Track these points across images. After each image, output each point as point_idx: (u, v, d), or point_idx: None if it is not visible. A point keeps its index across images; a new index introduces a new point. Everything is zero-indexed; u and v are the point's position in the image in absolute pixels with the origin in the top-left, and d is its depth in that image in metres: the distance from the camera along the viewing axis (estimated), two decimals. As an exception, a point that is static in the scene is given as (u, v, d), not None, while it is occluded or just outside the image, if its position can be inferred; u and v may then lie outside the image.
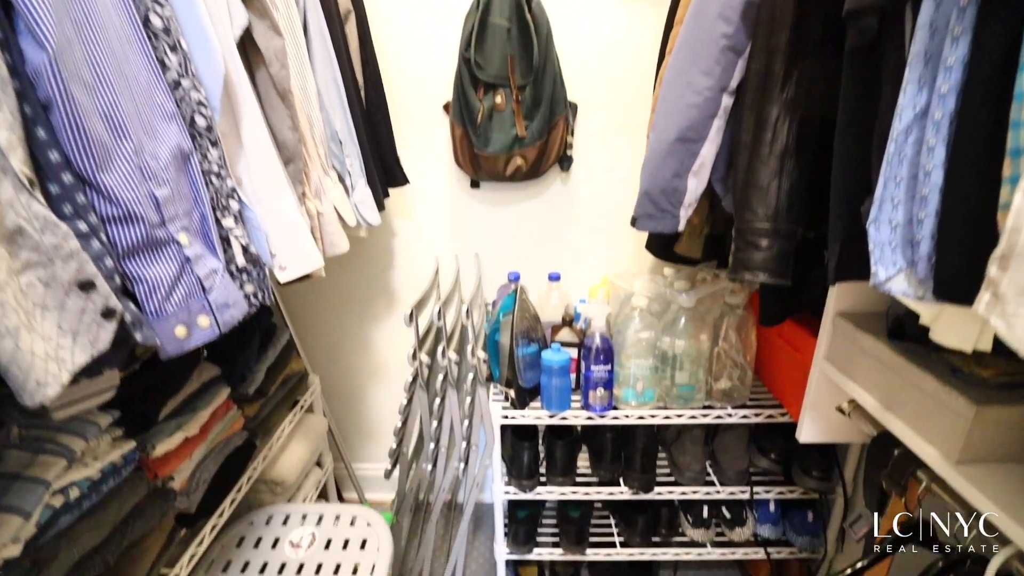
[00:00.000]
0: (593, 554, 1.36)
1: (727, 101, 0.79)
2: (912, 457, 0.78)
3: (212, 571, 0.90)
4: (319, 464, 1.47)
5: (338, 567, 0.90)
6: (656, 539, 1.36)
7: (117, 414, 0.77)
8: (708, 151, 0.81)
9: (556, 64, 1.25)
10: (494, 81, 1.23)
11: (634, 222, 0.94)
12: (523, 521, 1.35)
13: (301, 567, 0.90)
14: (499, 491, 1.30)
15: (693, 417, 1.19)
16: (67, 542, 0.67)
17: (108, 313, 0.45)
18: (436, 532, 1.37)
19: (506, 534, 1.36)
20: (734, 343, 1.16)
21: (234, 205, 0.63)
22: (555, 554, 1.37)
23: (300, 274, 0.76)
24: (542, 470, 1.33)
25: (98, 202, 0.47)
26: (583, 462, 1.37)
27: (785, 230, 0.73)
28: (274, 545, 0.95)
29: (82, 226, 0.45)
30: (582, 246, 1.46)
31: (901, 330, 0.77)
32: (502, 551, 1.36)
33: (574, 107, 1.33)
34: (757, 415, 1.18)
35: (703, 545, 1.36)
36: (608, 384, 1.19)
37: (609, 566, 1.43)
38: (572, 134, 1.34)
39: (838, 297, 0.85)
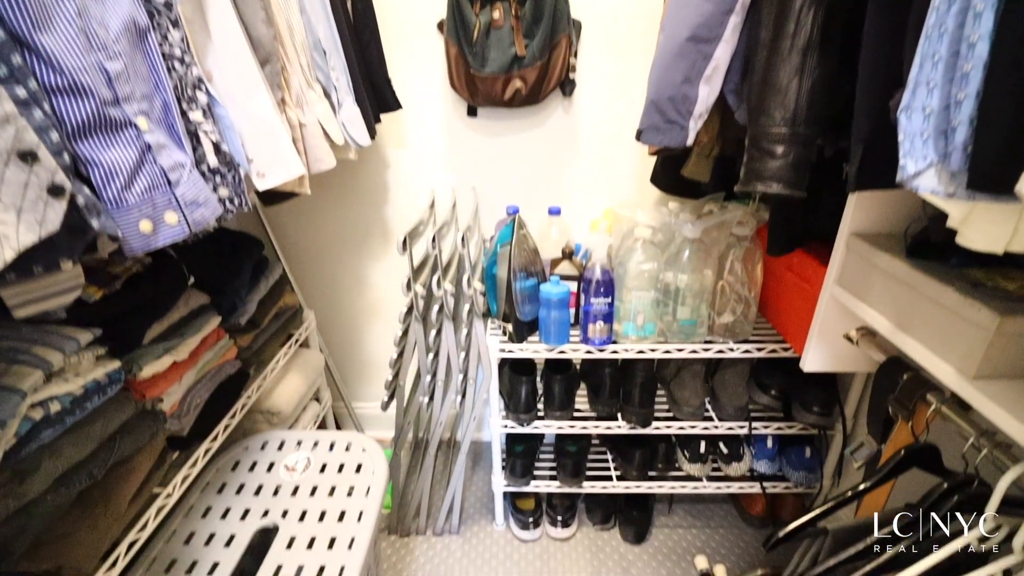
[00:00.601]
0: (590, 487, 1.37)
1: (745, -6, 0.71)
2: (922, 380, 0.75)
3: (207, 493, 0.90)
4: (317, 399, 1.46)
5: (333, 489, 0.89)
6: (652, 473, 1.37)
7: (98, 332, 0.75)
8: (722, 53, 0.75)
9: (559, -25, 1.15)
10: (492, -7, 1.14)
11: (639, 135, 0.88)
12: (520, 455, 1.36)
13: (296, 489, 0.90)
14: (496, 425, 1.29)
15: (694, 352, 1.17)
16: (50, 455, 0.66)
17: (56, 190, 0.40)
18: (435, 467, 1.38)
19: (504, 467, 1.37)
20: (739, 275, 1.12)
21: (202, 97, 0.57)
22: (552, 487, 1.38)
23: (280, 182, 0.71)
24: (540, 406, 1.32)
25: (39, 68, 0.42)
26: (581, 398, 1.37)
27: (803, 136, 0.67)
28: (269, 469, 0.94)
29: (20, 91, 0.40)
30: (584, 179, 1.40)
31: (920, 248, 0.72)
32: (499, 483, 1.38)
33: (578, 25, 1.24)
34: (760, 349, 1.16)
35: (699, 479, 1.37)
36: (608, 317, 1.16)
37: (605, 499, 1.45)
38: (575, 55, 1.25)
39: (854, 217, 0.80)
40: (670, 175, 1.24)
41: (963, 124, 0.47)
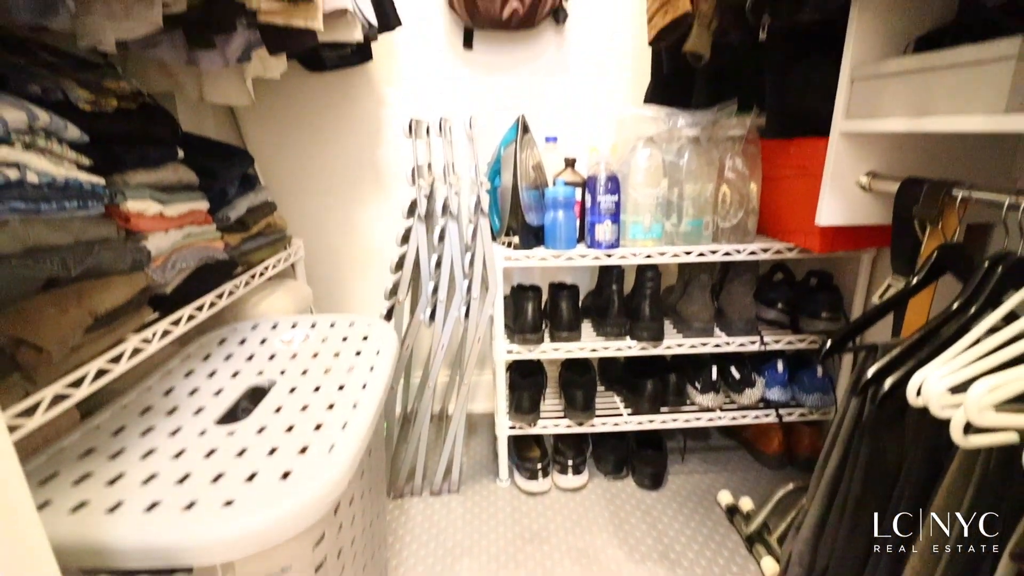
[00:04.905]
0: (601, 424, 1.27)
1: None
2: (942, 183, 0.76)
3: (189, 361, 0.78)
4: (300, 345, 1.34)
5: (338, 353, 0.79)
6: (664, 409, 1.30)
7: (86, 137, 0.67)
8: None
9: None
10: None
11: None
12: (527, 387, 1.26)
13: (295, 355, 0.79)
14: (501, 350, 1.21)
15: (701, 255, 1.16)
16: (21, 221, 0.56)
17: None
18: (429, 426, 1.25)
19: (508, 407, 1.26)
20: (740, 171, 1.15)
21: None
22: (561, 427, 1.28)
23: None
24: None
25: None
26: (587, 331, 1.31)
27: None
28: (262, 343, 0.83)
29: None
30: (579, 111, 1.43)
31: (926, 45, 0.77)
32: (504, 425, 1.26)
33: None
34: (765, 251, 1.16)
35: (712, 411, 1.30)
36: (615, 217, 1.14)
37: (616, 445, 1.35)
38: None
39: (854, 52, 0.84)
40: (662, 85, 1.29)
41: None
